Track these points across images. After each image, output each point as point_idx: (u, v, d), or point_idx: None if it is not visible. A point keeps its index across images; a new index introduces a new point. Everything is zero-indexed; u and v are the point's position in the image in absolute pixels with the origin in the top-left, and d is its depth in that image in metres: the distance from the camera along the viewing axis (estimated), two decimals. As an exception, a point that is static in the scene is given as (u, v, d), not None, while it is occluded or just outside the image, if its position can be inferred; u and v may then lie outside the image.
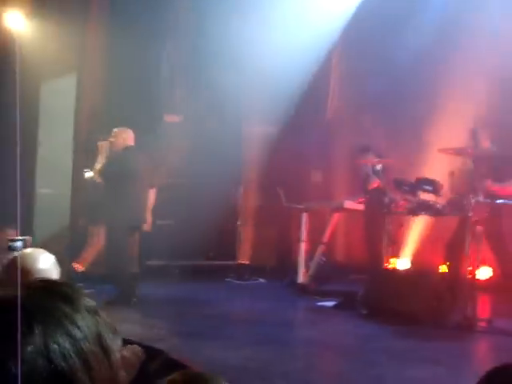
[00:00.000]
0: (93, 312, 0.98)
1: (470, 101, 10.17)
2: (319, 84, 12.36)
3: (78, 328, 0.93)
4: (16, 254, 3.12)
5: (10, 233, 9.19)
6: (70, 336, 0.91)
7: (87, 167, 9.45)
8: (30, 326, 0.89)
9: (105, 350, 0.96)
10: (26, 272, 2.87)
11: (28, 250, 3.15)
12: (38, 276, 2.84)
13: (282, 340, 7.21)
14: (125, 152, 8.67)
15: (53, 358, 0.88)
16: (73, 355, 0.90)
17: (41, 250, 3.20)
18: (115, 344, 1.00)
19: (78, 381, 0.89)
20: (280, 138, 12.22)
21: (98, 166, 8.69)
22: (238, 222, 12.58)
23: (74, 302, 0.96)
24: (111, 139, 8.71)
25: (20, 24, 10.37)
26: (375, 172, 10.35)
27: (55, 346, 0.89)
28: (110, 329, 1.00)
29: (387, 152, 10.66)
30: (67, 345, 0.90)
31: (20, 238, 7.69)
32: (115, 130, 8.79)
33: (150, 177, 8.93)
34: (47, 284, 1.01)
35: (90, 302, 1.00)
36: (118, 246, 8.63)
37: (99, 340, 0.95)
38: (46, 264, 3.07)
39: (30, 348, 0.87)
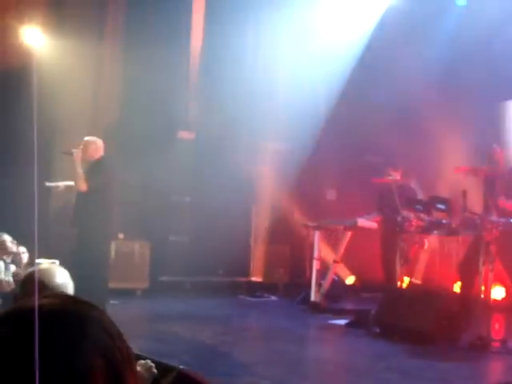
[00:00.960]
0: (114, 325, 1.06)
1: (484, 116, 10.17)
2: (334, 101, 12.37)
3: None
4: (32, 269, 3.15)
5: (5, 238, 9.23)
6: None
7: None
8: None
9: (128, 356, 1.04)
10: (45, 287, 2.90)
11: (45, 266, 3.18)
12: (55, 291, 2.86)
13: (294, 358, 7.18)
14: (106, 161, 8.56)
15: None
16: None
17: (57, 266, 3.23)
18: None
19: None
20: (295, 155, 12.23)
21: (80, 174, 8.37)
22: (251, 239, 12.58)
23: (103, 311, 1.06)
24: (83, 148, 8.41)
25: (38, 40, 10.49)
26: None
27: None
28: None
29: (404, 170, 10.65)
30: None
31: (50, 261, 7.68)
32: (86, 138, 8.57)
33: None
34: (73, 298, 1.11)
35: (109, 318, 1.07)
36: (104, 257, 8.53)
37: (125, 346, 1.04)
38: (62, 279, 3.11)
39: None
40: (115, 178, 8.62)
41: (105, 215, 8.40)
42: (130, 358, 1.03)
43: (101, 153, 8.51)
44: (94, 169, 8.38)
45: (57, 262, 7.84)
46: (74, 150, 8.36)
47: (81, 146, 8.44)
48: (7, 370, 0.93)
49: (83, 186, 8.27)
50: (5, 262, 8.71)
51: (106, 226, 8.48)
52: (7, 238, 9.17)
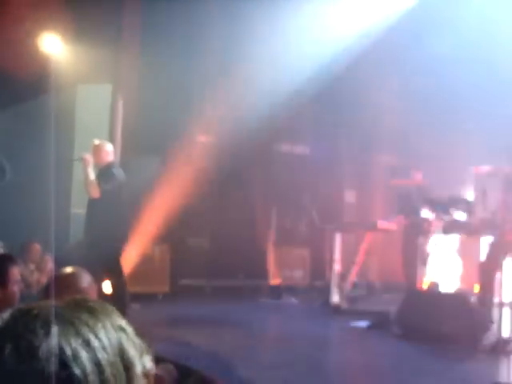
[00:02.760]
0: (118, 328, 1.04)
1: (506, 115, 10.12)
2: (352, 103, 12.36)
3: (98, 339, 0.99)
4: (55, 273, 3.14)
5: (36, 246, 9.32)
6: (87, 344, 0.98)
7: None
8: (47, 329, 0.96)
9: (125, 365, 1.01)
10: (69, 291, 2.92)
11: (68, 270, 3.19)
12: (79, 294, 2.88)
13: (315, 360, 7.17)
14: (116, 166, 8.38)
15: (65, 360, 0.94)
16: (86, 362, 0.96)
17: (79, 269, 3.24)
18: (142, 362, 1.04)
19: None
20: (313, 158, 12.23)
21: (91, 180, 8.10)
22: (271, 242, 12.59)
23: (99, 316, 1.03)
24: (94, 152, 8.22)
25: (56, 47, 10.57)
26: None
27: (69, 350, 0.95)
28: (140, 348, 1.05)
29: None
30: (82, 351, 0.96)
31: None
32: (96, 142, 8.36)
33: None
34: (78, 299, 1.08)
35: (117, 320, 1.05)
36: (118, 262, 8.41)
37: (121, 354, 1.01)
38: (86, 283, 3.12)
39: (44, 347, 0.94)
40: (124, 183, 8.36)
41: (117, 220, 8.22)
42: (123, 377, 1.00)
43: (111, 157, 8.36)
44: (105, 173, 8.21)
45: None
46: (83, 155, 8.22)
47: (91, 150, 8.30)
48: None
49: (95, 192, 8.06)
50: (29, 267, 8.81)
51: (119, 231, 8.28)
52: (36, 246, 9.28)
